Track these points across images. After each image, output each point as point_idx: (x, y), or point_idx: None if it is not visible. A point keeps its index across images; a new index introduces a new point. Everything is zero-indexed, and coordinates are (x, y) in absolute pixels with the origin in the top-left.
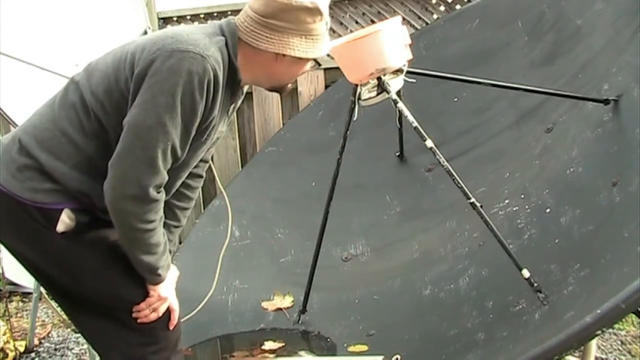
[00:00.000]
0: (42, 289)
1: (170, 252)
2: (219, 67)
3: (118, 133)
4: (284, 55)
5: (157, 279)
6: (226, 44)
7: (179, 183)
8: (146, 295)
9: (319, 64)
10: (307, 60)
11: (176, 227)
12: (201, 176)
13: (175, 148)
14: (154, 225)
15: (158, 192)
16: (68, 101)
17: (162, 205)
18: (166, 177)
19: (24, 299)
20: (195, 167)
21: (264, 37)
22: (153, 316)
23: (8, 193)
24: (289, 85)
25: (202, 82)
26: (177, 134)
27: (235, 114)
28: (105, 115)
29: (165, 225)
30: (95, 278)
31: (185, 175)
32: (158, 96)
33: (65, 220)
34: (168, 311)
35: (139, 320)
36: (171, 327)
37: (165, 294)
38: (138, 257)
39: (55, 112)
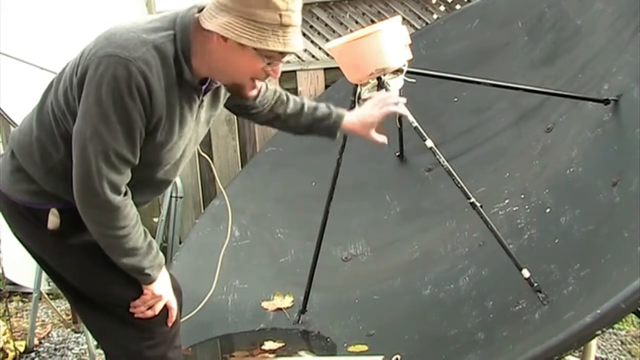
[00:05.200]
0: (42, 289)
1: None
2: (149, 68)
3: None
4: (224, 38)
5: (147, 279)
6: (174, 38)
7: (161, 178)
8: (140, 291)
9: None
10: (253, 50)
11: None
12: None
13: (120, 154)
14: (126, 231)
15: (120, 196)
16: (45, 106)
17: (129, 210)
18: (124, 179)
19: (24, 299)
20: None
21: (210, 16)
22: (149, 313)
23: (6, 194)
24: (252, 90)
25: (129, 86)
26: (119, 141)
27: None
28: (66, 121)
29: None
30: (86, 276)
31: (167, 171)
32: (92, 106)
33: (53, 220)
34: (165, 307)
35: (135, 316)
36: (169, 324)
37: (160, 292)
38: (119, 260)
39: (34, 117)
